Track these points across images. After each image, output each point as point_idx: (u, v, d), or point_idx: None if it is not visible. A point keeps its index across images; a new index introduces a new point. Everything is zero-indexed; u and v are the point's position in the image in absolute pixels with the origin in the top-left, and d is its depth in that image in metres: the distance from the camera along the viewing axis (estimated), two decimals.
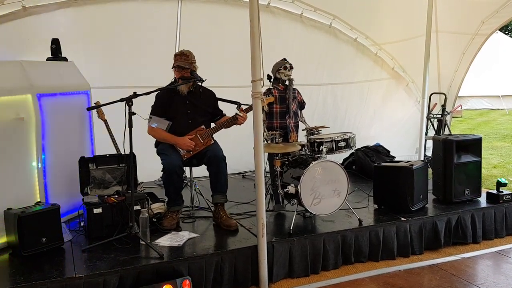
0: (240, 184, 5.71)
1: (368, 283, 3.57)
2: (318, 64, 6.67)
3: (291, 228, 3.81)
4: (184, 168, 4.11)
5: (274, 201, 4.51)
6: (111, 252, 3.40)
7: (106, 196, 3.88)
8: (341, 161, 6.37)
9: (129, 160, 3.66)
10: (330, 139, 4.19)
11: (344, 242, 3.85)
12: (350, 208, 4.16)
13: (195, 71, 4.13)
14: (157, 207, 4.07)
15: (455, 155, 4.51)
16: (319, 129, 4.48)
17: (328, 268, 3.77)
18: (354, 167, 6.22)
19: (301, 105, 4.94)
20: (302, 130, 4.68)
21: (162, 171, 3.93)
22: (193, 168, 4.44)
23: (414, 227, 4.10)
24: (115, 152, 4.51)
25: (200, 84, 4.17)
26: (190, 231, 3.88)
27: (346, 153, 5.77)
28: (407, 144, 7.34)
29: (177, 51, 5.38)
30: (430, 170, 4.81)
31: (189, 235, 3.77)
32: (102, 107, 4.25)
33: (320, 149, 4.14)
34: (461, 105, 11.44)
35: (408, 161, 4.53)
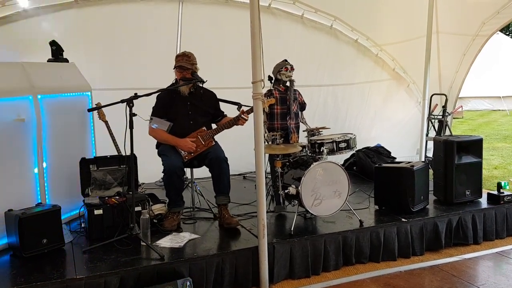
0: (241, 185, 5.71)
1: (369, 284, 3.56)
2: (319, 65, 6.67)
3: (292, 229, 3.81)
4: (185, 169, 4.11)
5: (275, 202, 4.51)
6: (111, 253, 3.40)
7: (107, 197, 3.88)
8: (342, 162, 6.37)
9: (130, 161, 3.67)
10: (331, 140, 4.19)
11: (345, 243, 3.85)
12: (351, 209, 4.16)
13: (196, 72, 4.13)
14: (158, 208, 4.07)
15: (456, 156, 4.51)
16: (320, 130, 4.48)
17: (329, 269, 3.77)
18: (355, 168, 6.22)
19: (302, 106, 4.94)
20: (303, 131, 4.68)
21: (162, 172, 3.93)
22: (194, 169, 4.43)
23: (415, 228, 4.10)
24: (116, 153, 4.52)
25: (201, 85, 4.18)
26: (191, 232, 3.88)
27: (347, 154, 5.77)
28: (408, 145, 7.35)
29: (178, 52, 5.41)
30: (431, 171, 4.80)
31: (190, 236, 3.77)
32: (103, 108, 4.27)
33: (321, 150, 4.13)
34: (461, 106, 11.44)
35: (409, 162, 4.53)
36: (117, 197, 3.88)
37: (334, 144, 4.19)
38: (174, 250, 3.48)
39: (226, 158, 4.03)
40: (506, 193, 4.58)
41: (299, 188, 3.84)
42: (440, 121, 6.83)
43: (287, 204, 4.38)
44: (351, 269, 3.81)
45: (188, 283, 3.17)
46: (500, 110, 17.20)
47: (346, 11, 6.40)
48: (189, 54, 4.14)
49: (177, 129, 4.09)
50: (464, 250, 4.21)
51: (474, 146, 4.66)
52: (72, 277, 3.02)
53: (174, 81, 4.25)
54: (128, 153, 3.62)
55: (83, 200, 3.94)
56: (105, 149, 4.49)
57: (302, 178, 3.84)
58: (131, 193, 3.67)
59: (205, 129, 4.15)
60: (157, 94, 4.01)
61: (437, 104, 7.03)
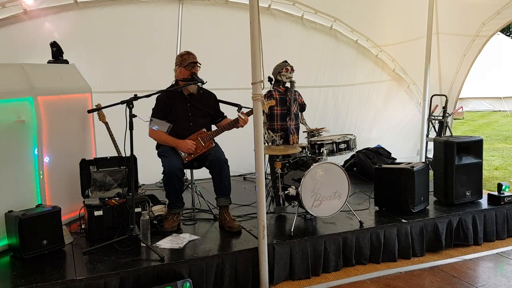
0: (241, 186, 5.71)
1: (369, 285, 3.56)
2: (319, 66, 6.68)
3: (292, 230, 3.81)
4: (185, 170, 4.11)
5: (275, 203, 4.51)
6: (111, 254, 3.40)
7: (107, 199, 3.88)
8: (342, 163, 6.38)
9: (130, 162, 3.67)
10: (331, 141, 4.19)
11: (345, 244, 3.85)
12: (351, 210, 4.16)
13: (196, 73, 4.13)
14: (158, 209, 4.07)
15: (456, 157, 4.51)
16: (320, 131, 4.48)
17: (329, 270, 3.77)
18: (355, 169, 6.22)
19: (302, 107, 4.94)
20: (303, 132, 4.68)
21: (162, 173, 3.93)
22: (194, 170, 4.44)
23: (415, 229, 4.09)
24: (116, 154, 4.53)
25: (200, 86, 4.18)
26: (191, 233, 3.88)
27: (347, 155, 5.77)
28: (408, 146, 7.35)
29: (178, 53, 5.42)
30: (431, 172, 4.80)
31: (190, 237, 3.77)
32: (103, 110, 4.28)
33: (321, 151, 4.14)
34: (462, 107, 11.44)
35: (409, 163, 4.53)
36: (117, 198, 3.88)
37: (334, 145, 4.19)
38: (174, 251, 3.48)
39: (226, 160, 4.03)
40: (506, 194, 4.57)
41: (299, 189, 3.84)
42: (441, 122, 6.83)
43: (287, 205, 4.38)
44: (351, 270, 3.81)
45: (188, 284, 3.17)
46: (500, 111, 17.21)
47: (346, 12, 6.41)
48: (193, 53, 4.16)
49: (177, 130, 4.09)
50: (464, 251, 4.21)
51: (474, 147, 4.65)
52: (72, 278, 3.02)
53: (173, 82, 4.25)
54: (128, 154, 3.62)
55: (83, 201, 3.94)
56: (105, 150, 4.49)
57: (302, 179, 3.84)
58: (131, 194, 3.67)
59: (205, 130, 4.15)
60: (157, 95, 4.02)
61: (437, 105, 7.03)
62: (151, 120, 4.06)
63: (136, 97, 3.53)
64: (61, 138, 4.07)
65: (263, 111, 3.42)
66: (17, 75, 3.81)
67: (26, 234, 3.31)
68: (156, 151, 4.20)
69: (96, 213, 3.73)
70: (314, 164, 3.91)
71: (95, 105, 4.41)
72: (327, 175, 3.95)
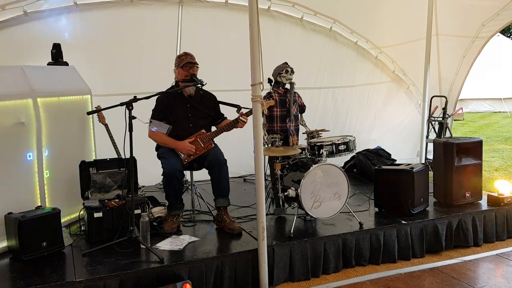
0: (241, 187, 5.71)
1: (369, 286, 3.56)
2: (318, 68, 6.68)
3: (292, 231, 3.81)
4: (184, 172, 4.11)
5: (275, 204, 4.51)
6: (111, 256, 3.40)
7: (106, 200, 3.88)
8: (342, 164, 6.38)
9: (130, 164, 3.67)
10: (331, 143, 4.19)
11: (344, 246, 3.85)
12: (351, 211, 4.16)
13: (195, 74, 4.14)
14: (158, 211, 4.07)
15: (456, 158, 4.51)
16: (320, 132, 4.48)
17: (329, 272, 3.76)
18: (355, 170, 6.22)
19: (302, 108, 4.94)
20: (303, 133, 4.68)
21: (162, 175, 3.93)
22: (193, 171, 4.44)
23: (415, 230, 4.09)
24: (115, 156, 4.53)
25: (200, 87, 4.18)
26: (190, 235, 3.88)
27: (347, 156, 5.77)
28: (408, 147, 7.34)
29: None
30: (431, 173, 4.80)
31: (190, 239, 3.77)
32: (102, 111, 4.28)
33: (321, 153, 4.14)
34: (462, 108, 11.44)
35: (408, 164, 4.53)
36: (116, 200, 3.88)
37: (334, 146, 4.19)
38: (173, 252, 3.48)
39: (225, 160, 4.04)
40: (506, 195, 4.57)
41: (299, 191, 3.84)
42: (440, 123, 6.83)
43: (286, 206, 4.38)
44: (351, 272, 3.81)
45: (188, 286, 3.17)
46: (501, 112, 17.19)
47: (345, 13, 6.41)
48: (191, 53, 4.17)
49: (176, 131, 4.10)
50: (464, 252, 4.21)
51: (474, 148, 4.65)
52: (72, 280, 3.02)
53: (173, 84, 4.26)
54: (128, 156, 3.62)
55: (83, 203, 3.94)
56: (105, 152, 4.50)
57: (302, 180, 3.84)
58: (130, 196, 3.67)
59: (205, 131, 4.16)
60: (156, 97, 4.02)
61: (437, 106, 7.03)
62: (150, 121, 4.06)
63: (135, 99, 3.53)
64: (60, 140, 4.07)
65: (263, 112, 3.42)
66: (17, 77, 3.81)
67: (25, 236, 3.31)
68: (156, 152, 4.20)
69: (96, 215, 3.73)
70: (314, 166, 3.91)
71: (95, 107, 4.42)
72: (326, 177, 3.95)
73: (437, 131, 6.92)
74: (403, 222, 4.09)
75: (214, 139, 4.20)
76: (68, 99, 4.23)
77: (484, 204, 4.61)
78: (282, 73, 4.67)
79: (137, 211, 3.77)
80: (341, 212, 4.05)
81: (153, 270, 3.21)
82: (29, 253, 3.32)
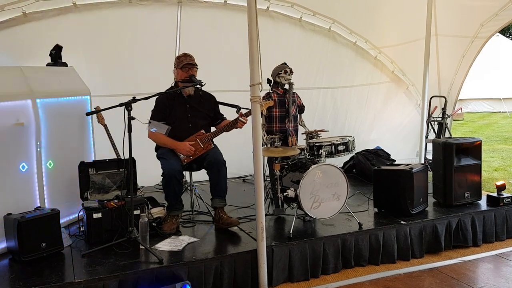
0: (240, 188, 5.71)
1: (368, 286, 3.56)
2: (317, 68, 6.68)
3: (291, 232, 3.81)
4: (184, 172, 4.11)
5: (274, 205, 4.51)
6: (110, 257, 3.40)
7: (105, 201, 3.87)
8: (341, 165, 6.38)
9: (129, 164, 3.67)
10: (330, 143, 4.19)
11: (344, 246, 3.85)
12: (350, 212, 4.16)
13: (194, 75, 4.14)
14: (157, 212, 4.07)
15: (455, 158, 4.51)
16: (319, 132, 4.48)
17: (328, 272, 3.76)
18: (354, 170, 6.22)
19: (301, 108, 4.94)
20: (302, 133, 4.69)
21: (161, 175, 3.93)
22: (193, 172, 4.44)
23: (414, 230, 4.09)
24: (115, 157, 4.53)
25: (199, 88, 4.18)
26: (189, 235, 3.88)
27: (346, 157, 5.77)
28: (408, 148, 7.34)
29: (177, 55, 5.42)
30: (430, 173, 4.80)
31: (189, 239, 3.77)
32: (101, 112, 4.28)
33: (320, 153, 4.14)
34: (461, 108, 11.43)
35: (408, 164, 4.53)
36: (116, 201, 3.88)
37: (333, 146, 4.19)
38: (173, 253, 3.48)
39: (225, 161, 4.04)
40: (505, 195, 4.57)
41: (298, 191, 3.84)
42: (440, 123, 6.82)
43: (286, 207, 4.38)
44: (350, 272, 3.81)
45: (187, 287, 3.17)
46: (500, 112, 17.20)
47: (344, 13, 6.41)
48: (190, 54, 4.17)
49: (176, 132, 4.10)
50: (463, 252, 4.21)
51: (473, 148, 4.66)
52: (71, 281, 3.02)
53: (173, 84, 4.26)
54: (127, 156, 3.62)
55: (82, 204, 3.94)
56: (104, 152, 4.49)
57: (301, 180, 3.84)
58: (130, 196, 3.67)
59: (204, 132, 4.16)
60: (156, 97, 4.02)
61: (436, 106, 7.03)
62: (149, 122, 4.06)
63: (134, 100, 3.53)
64: (60, 141, 4.07)
65: (262, 113, 3.42)
66: (16, 78, 3.81)
67: (24, 236, 3.31)
68: (155, 153, 4.20)
69: (95, 215, 3.73)
70: (313, 166, 3.91)
71: (94, 108, 4.42)
72: (326, 177, 3.95)
73: (436, 131, 6.91)
74: (402, 222, 4.09)
75: (214, 140, 4.20)
76: (67, 99, 4.23)
77: (483, 204, 4.62)
78: (281, 73, 4.67)
79: (136, 212, 3.77)
80: (341, 213, 4.05)
81: (152, 271, 3.21)
82: (28, 254, 3.32)
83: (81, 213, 3.93)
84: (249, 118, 3.85)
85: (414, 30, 6.24)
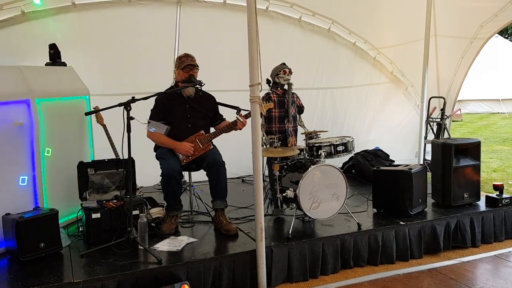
0: (239, 188, 5.71)
1: (367, 287, 3.56)
2: (317, 68, 6.68)
3: (290, 232, 3.81)
4: (183, 172, 4.10)
5: (273, 205, 4.51)
6: (109, 257, 3.40)
7: (104, 201, 3.87)
8: (340, 165, 6.37)
9: (128, 164, 3.66)
10: (329, 143, 4.19)
11: (343, 246, 3.85)
12: (349, 212, 4.16)
13: (193, 75, 4.14)
14: (156, 212, 4.07)
15: (454, 159, 4.51)
16: (318, 133, 4.48)
17: (327, 273, 3.76)
18: (353, 171, 6.22)
19: (300, 109, 4.94)
20: (301, 134, 4.68)
21: (160, 175, 3.93)
22: (192, 172, 4.43)
23: (413, 231, 4.09)
24: (114, 157, 4.52)
25: (199, 88, 4.18)
26: (189, 235, 3.88)
27: (345, 157, 5.77)
28: (407, 148, 7.34)
29: (176, 55, 5.42)
30: (429, 174, 4.80)
31: (188, 239, 3.76)
32: (100, 112, 4.27)
33: (319, 153, 4.13)
34: (460, 109, 11.46)
35: (407, 165, 4.53)
36: (115, 201, 3.87)
37: (332, 147, 4.19)
38: (172, 253, 3.48)
39: (224, 162, 4.03)
40: (504, 196, 4.57)
41: (297, 191, 3.84)
42: (439, 124, 6.83)
43: (285, 207, 4.37)
44: (349, 273, 3.81)
45: (185, 287, 3.16)
46: (499, 113, 17.22)
47: (343, 14, 6.41)
48: (192, 55, 4.17)
49: (175, 132, 4.09)
50: (462, 253, 4.21)
51: (472, 149, 4.66)
52: (70, 281, 3.01)
53: (173, 84, 4.26)
54: (126, 156, 3.61)
55: (81, 204, 3.93)
56: (103, 152, 4.49)
57: (300, 181, 3.84)
58: (129, 196, 3.66)
59: (203, 132, 4.15)
60: (155, 97, 4.02)
61: (435, 107, 7.04)
62: (148, 122, 4.06)
63: (133, 99, 3.53)
64: (58, 141, 4.06)
65: (261, 113, 3.42)
66: (15, 78, 3.80)
67: (23, 236, 3.30)
68: (154, 153, 4.20)
69: (94, 215, 3.72)
70: (312, 166, 3.91)
71: (93, 108, 4.41)
72: (325, 177, 3.95)
73: (435, 132, 6.92)
74: (401, 223, 4.09)
75: (213, 140, 4.20)
76: (66, 99, 4.22)
77: (482, 205, 4.62)
78: (279, 73, 4.67)
79: (135, 212, 3.77)
80: (340, 213, 4.05)
81: (151, 271, 3.20)
82: (27, 254, 3.32)
83: (80, 213, 3.92)
84: (249, 119, 3.85)
85: (413, 30, 6.24)
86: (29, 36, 4.92)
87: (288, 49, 6.28)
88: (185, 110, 4.15)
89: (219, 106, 4.43)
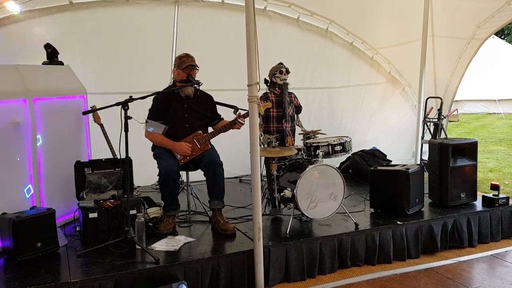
0: (237, 188, 5.71)
1: (364, 286, 3.56)
2: (314, 68, 6.69)
3: (288, 232, 3.81)
4: (180, 172, 4.10)
5: (271, 205, 4.51)
6: (106, 257, 3.39)
7: (101, 201, 3.86)
8: (338, 165, 6.38)
9: (125, 164, 3.65)
10: (327, 143, 4.20)
11: (340, 246, 3.85)
12: (347, 212, 4.16)
13: (191, 75, 4.13)
14: (153, 212, 4.06)
15: (451, 159, 4.52)
16: (316, 133, 4.48)
17: (325, 272, 3.77)
18: (350, 171, 6.23)
19: (298, 109, 4.95)
20: (299, 134, 4.69)
21: (158, 175, 3.92)
22: (189, 172, 4.43)
23: (410, 230, 4.10)
24: (111, 156, 4.51)
25: (197, 88, 4.17)
26: (186, 235, 3.88)
27: (343, 157, 5.78)
28: (404, 148, 7.36)
29: (174, 55, 5.42)
30: (426, 174, 4.82)
31: (185, 239, 3.76)
32: (98, 111, 4.26)
33: (317, 153, 4.14)
34: (457, 109, 11.48)
35: (404, 165, 4.54)
36: (112, 201, 3.87)
37: (330, 147, 4.20)
38: (169, 253, 3.47)
39: (221, 162, 4.03)
40: (500, 196, 4.59)
41: (295, 191, 3.84)
42: (436, 124, 6.85)
43: (282, 207, 4.38)
44: (347, 272, 3.82)
45: (183, 287, 3.16)
46: (495, 113, 17.28)
47: (341, 14, 6.42)
48: (191, 55, 4.17)
49: (173, 132, 4.09)
50: (459, 252, 4.22)
51: (469, 149, 4.67)
52: (67, 281, 3.00)
53: (171, 84, 4.25)
54: (123, 156, 3.60)
55: (78, 203, 3.92)
56: (100, 152, 4.48)
57: (298, 181, 3.84)
58: (126, 196, 3.65)
59: (201, 132, 4.15)
60: (153, 96, 4.01)
61: (432, 107, 7.06)
62: (146, 122, 4.05)
63: (131, 99, 3.52)
64: (55, 140, 4.05)
65: (259, 113, 3.42)
66: (12, 77, 3.79)
67: (20, 236, 3.30)
68: (152, 152, 4.19)
69: (91, 215, 3.71)
70: (310, 166, 3.91)
71: (90, 107, 4.40)
72: (322, 177, 3.95)
73: (432, 132, 6.94)
74: (398, 222, 4.10)
75: (211, 140, 4.19)
76: (63, 98, 4.21)
77: (479, 205, 4.63)
78: (276, 73, 4.68)
79: (133, 212, 3.76)
80: (337, 213, 4.05)
81: (148, 271, 3.20)
82: (23, 254, 3.31)
83: (77, 212, 3.91)
84: (247, 119, 3.85)
85: (410, 31, 6.26)
86: (27, 35, 4.90)
87: (286, 48, 6.28)
88: (183, 109, 4.14)
89: (217, 106, 4.42)
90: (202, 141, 4.10)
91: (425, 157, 6.13)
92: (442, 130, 6.86)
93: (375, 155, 6.21)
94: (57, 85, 4.20)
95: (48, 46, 4.45)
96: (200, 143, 4.09)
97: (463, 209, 4.49)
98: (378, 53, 7.05)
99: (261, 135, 4.29)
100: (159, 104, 4.11)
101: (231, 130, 4.17)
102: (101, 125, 4.59)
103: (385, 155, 6.32)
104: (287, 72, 4.70)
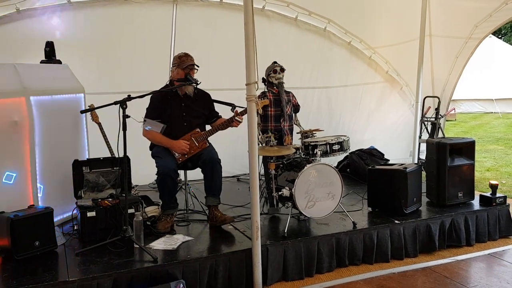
0: (235, 187, 5.71)
1: (362, 285, 3.57)
2: (312, 67, 6.69)
3: (286, 231, 3.82)
4: (178, 171, 4.10)
5: (269, 204, 4.51)
6: (104, 255, 3.39)
7: (100, 200, 3.86)
8: (335, 164, 6.39)
9: (123, 163, 3.65)
10: (325, 142, 4.20)
11: (338, 245, 3.86)
12: (344, 211, 4.17)
13: (189, 74, 4.13)
14: (151, 210, 4.06)
15: (449, 158, 4.53)
16: (314, 132, 4.49)
17: (323, 271, 3.77)
18: (348, 170, 6.24)
19: (296, 108, 4.95)
20: (297, 133, 4.69)
21: (156, 174, 3.92)
22: (187, 171, 4.43)
23: (408, 229, 4.11)
24: (109, 155, 4.50)
25: (195, 86, 4.17)
26: (184, 234, 3.88)
27: (340, 156, 5.78)
28: (401, 147, 7.38)
29: (172, 54, 5.41)
30: (424, 173, 4.83)
31: (184, 238, 3.76)
32: (96, 110, 4.26)
33: (315, 152, 4.14)
34: (454, 108, 11.50)
35: (402, 164, 4.55)
36: (110, 199, 3.86)
37: (328, 146, 4.20)
38: (167, 252, 3.47)
39: (219, 160, 4.03)
40: (498, 195, 4.60)
41: (293, 190, 3.85)
42: (433, 124, 6.86)
43: (280, 206, 4.38)
44: (345, 271, 3.82)
45: (181, 286, 3.16)
46: (492, 112, 17.32)
47: (339, 13, 6.43)
48: (191, 55, 4.17)
49: (171, 130, 4.09)
50: (456, 251, 4.23)
51: (467, 148, 4.68)
52: (65, 280, 3.00)
53: (168, 83, 4.25)
54: (122, 155, 3.60)
55: (76, 202, 3.92)
56: (98, 151, 4.47)
57: (296, 180, 3.84)
58: (124, 195, 3.65)
59: (199, 130, 4.15)
60: (151, 95, 4.01)
61: (430, 107, 7.07)
62: (144, 120, 4.05)
63: (129, 98, 3.52)
64: (53, 139, 4.05)
65: (257, 111, 3.42)
66: (10, 75, 3.78)
67: (18, 235, 3.29)
68: (150, 151, 4.19)
69: (89, 214, 3.71)
70: (308, 165, 3.91)
71: (88, 106, 4.40)
72: (320, 176, 3.96)
73: (429, 131, 6.95)
74: (396, 221, 4.11)
75: (208, 138, 4.19)
76: (61, 97, 4.20)
77: (476, 204, 4.65)
78: (271, 73, 4.68)
79: (131, 211, 3.76)
80: (335, 212, 4.06)
81: (146, 270, 3.20)
82: (21, 253, 3.30)
83: (75, 211, 3.91)
84: (245, 116, 3.85)
85: (408, 30, 6.27)
86: (24, 34, 4.89)
87: (284, 48, 6.28)
88: (181, 108, 4.14)
89: (215, 103, 4.42)
90: (200, 139, 4.10)
91: (423, 156, 6.13)
92: (440, 129, 6.87)
93: (373, 154, 6.22)
94: (55, 84, 4.19)
95: (47, 44, 4.44)
96: (198, 141, 4.09)
97: (461, 208, 4.50)
98: (376, 53, 7.06)
99: (259, 134, 4.30)
100: (156, 103, 4.11)
101: (229, 128, 4.17)
102: (99, 124, 4.58)
103: (383, 154, 6.34)
104: (282, 70, 4.69)
